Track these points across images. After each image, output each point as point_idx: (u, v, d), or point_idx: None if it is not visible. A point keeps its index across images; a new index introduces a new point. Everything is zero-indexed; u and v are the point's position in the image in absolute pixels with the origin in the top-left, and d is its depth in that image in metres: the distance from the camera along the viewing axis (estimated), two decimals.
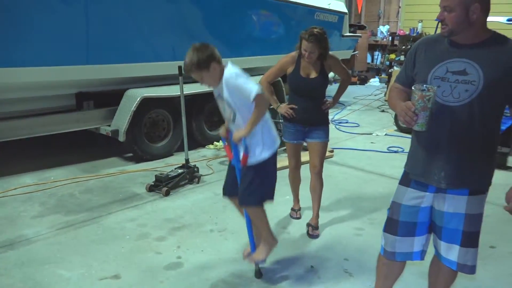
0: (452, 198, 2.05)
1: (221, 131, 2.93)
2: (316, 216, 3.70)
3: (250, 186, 2.75)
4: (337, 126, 7.49)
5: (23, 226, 3.69)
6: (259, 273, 3.00)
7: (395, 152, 6.00)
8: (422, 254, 2.23)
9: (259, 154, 2.73)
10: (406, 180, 2.19)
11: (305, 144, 3.75)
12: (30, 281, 2.90)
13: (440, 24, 1.96)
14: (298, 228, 3.73)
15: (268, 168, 2.80)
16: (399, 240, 2.19)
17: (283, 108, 3.60)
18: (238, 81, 2.59)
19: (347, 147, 6.25)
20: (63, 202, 4.19)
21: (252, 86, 2.57)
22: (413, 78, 2.11)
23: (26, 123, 4.82)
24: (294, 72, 3.49)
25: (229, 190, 2.96)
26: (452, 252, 2.11)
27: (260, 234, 2.95)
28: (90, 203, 4.16)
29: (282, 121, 5.41)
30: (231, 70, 2.64)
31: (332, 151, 5.85)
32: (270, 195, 2.88)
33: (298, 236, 3.59)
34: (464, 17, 1.87)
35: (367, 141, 6.59)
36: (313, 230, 3.65)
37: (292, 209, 4.02)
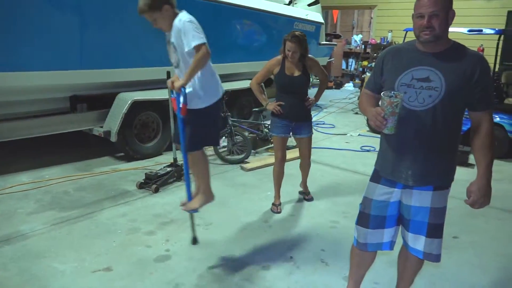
0: (419, 193, 2.08)
1: (168, 82, 2.76)
2: (306, 185, 4.25)
3: (192, 133, 2.71)
4: (315, 127, 7.48)
5: (19, 222, 3.61)
6: (194, 240, 3.02)
7: (368, 151, 6.06)
8: (391, 245, 2.26)
9: (200, 102, 2.69)
10: (376, 177, 2.21)
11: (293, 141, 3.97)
12: (27, 274, 2.84)
13: (421, 32, 1.91)
14: (278, 221, 3.74)
15: (209, 115, 2.75)
16: (370, 233, 2.22)
17: (272, 105, 3.79)
18: (186, 26, 2.50)
19: (323, 146, 6.28)
20: (57, 199, 4.12)
21: (197, 35, 2.51)
22: (381, 84, 2.12)
23: (24, 124, 4.73)
24: (280, 72, 3.71)
25: (175, 138, 2.91)
26: (418, 242, 2.14)
27: (199, 185, 2.91)
28: (84, 200, 4.10)
29: (263, 122, 5.45)
30: (184, 15, 2.57)
31: None
32: (213, 141, 2.88)
33: (278, 229, 3.59)
34: (446, 22, 1.89)
35: (342, 141, 6.64)
36: (307, 195, 4.23)
37: (273, 204, 4.02)
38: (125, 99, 5.14)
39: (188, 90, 2.67)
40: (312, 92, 4.11)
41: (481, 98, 1.95)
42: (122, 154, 5.43)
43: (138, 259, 3.06)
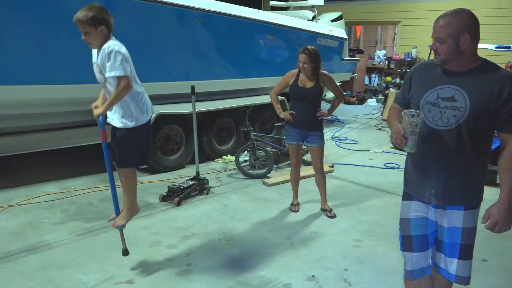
0: (451, 213, 2.03)
1: (92, 106, 2.88)
2: (325, 201, 4.26)
3: (121, 151, 2.90)
4: (337, 143, 7.46)
5: (45, 232, 3.68)
6: (125, 252, 3.06)
7: (392, 168, 5.96)
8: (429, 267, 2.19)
9: (129, 122, 2.81)
10: (408, 196, 2.17)
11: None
12: (50, 284, 2.88)
13: (433, 52, 1.96)
14: (300, 238, 3.69)
15: (139, 135, 2.89)
16: (415, 256, 2.11)
17: (284, 113, 4.09)
18: (113, 54, 2.56)
19: (346, 162, 6.22)
20: (82, 210, 4.19)
21: (120, 67, 2.57)
22: (409, 100, 2.11)
23: (52, 136, 4.85)
24: (294, 83, 4.03)
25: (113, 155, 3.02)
26: (452, 265, 2.07)
27: (126, 200, 3.06)
28: (108, 211, 4.13)
29: (285, 137, 5.54)
30: (114, 42, 2.63)
31: (332, 166, 5.82)
32: (140, 159, 3.06)
33: (300, 246, 3.55)
34: (454, 47, 1.88)
35: (365, 157, 6.56)
36: (330, 212, 4.19)
37: (292, 204, 4.34)
38: None
39: (112, 113, 2.83)
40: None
41: (508, 119, 1.89)
42: (145, 166, 5.49)
43: (160, 273, 3.06)
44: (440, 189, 2.01)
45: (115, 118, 2.86)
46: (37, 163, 5.54)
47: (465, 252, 2.05)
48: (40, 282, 2.90)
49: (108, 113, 2.87)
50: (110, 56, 2.58)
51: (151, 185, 4.97)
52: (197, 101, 4.73)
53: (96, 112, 2.72)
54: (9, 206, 4.22)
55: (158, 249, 3.44)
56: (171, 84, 5.51)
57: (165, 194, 4.47)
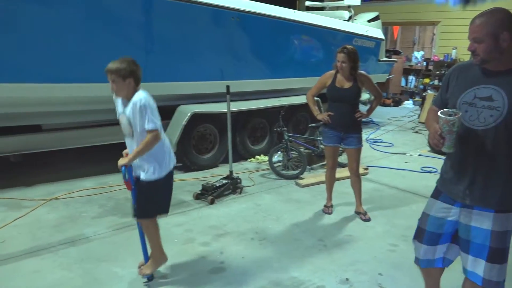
0: (479, 214, 2.02)
1: (124, 153, 2.86)
2: (360, 204, 4.18)
3: (141, 203, 2.84)
4: (372, 145, 7.33)
5: (83, 225, 3.80)
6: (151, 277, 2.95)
7: (429, 172, 5.79)
8: (443, 261, 2.24)
9: (152, 175, 2.77)
10: (436, 193, 2.21)
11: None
12: (88, 277, 2.97)
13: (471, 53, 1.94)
14: (333, 240, 3.65)
15: (161, 186, 2.84)
16: (424, 248, 2.24)
17: (322, 115, 4.04)
18: (144, 108, 2.63)
19: (381, 165, 6.10)
20: (119, 205, 4.29)
21: (152, 119, 2.64)
22: (447, 101, 2.11)
23: (90, 133, 5.02)
24: (331, 84, 3.95)
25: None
26: (478, 267, 2.03)
27: (151, 250, 2.98)
28: None
29: (319, 138, 5.48)
30: (143, 95, 2.68)
31: (366, 169, 5.72)
32: (161, 210, 2.94)
33: (333, 249, 3.50)
34: (493, 46, 1.86)
35: (401, 161, 6.40)
36: (364, 216, 4.10)
37: (325, 206, 4.31)
38: (185, 112, 5.30)
39: (137, 163, 2.79)
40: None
41: None
42: (180, 164, 5.57)
43: (193, 270, 3.10)
44: (476, 191, 2.00)
45: (137, 169, 2.84)
46: (77, 159, 5.73)
47: (495, 256, 2.00)
48: (79, 274, 3.00)
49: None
50: (142, 110, 2.65)
51: (185, 183, 5.04)
52: (231, 100, 4.76)
53: (121, 162, 2.75)
54: (50, 199, 4.39)
55: (192, 246, 3.48)
56: (206, 83, 5.58)
57: (199, 192, 4.53)
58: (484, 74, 1.96)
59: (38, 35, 4.10)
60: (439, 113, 1.94)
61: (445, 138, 1.95)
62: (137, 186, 2.82)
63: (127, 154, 2.84)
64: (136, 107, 2.64)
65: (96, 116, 5.05)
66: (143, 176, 2.78)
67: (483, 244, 2.00)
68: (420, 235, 2.25)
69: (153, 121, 2.66)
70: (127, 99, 2.71)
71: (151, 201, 2.85)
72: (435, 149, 2.00)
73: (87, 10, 4.37)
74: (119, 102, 2.80)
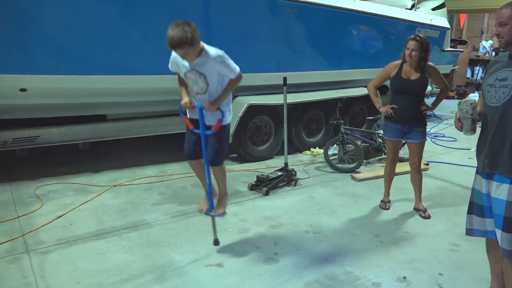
0: (498, 185, 2.24)
1: (185, 102, 2.93)
2: (420, 201, 4.02)
3: (220, 147, 3.03)
4: (433, 140, 7.01)
5: (144, 211, 3.97)
6: (216, 241, 3.20)
7: None
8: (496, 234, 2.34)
9: (228, 118, 3.02)
10: (476, 169, 2.44)
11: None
12: (149, 260, 3.10)
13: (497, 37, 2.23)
14: (390, 237, 3.54)
15: (228, 130, 3.13)
16: (474, 219, 2.45)
17: (385, 107, 3.87)
18: (225, 58, 2.82)
19: (443, 161, 5.81)
20: (177, 193, 4.44)
21: (235, 64, 2.87)
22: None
23: (153, 123, 5.24)
24: (397, 75, 3.79)
25: (192, 154, 3.13)
26: (498, 236, 2.26)
27: (220, 191, 3.26)
28: (200, 196, 4.30)
29: (376, 131, 5.32)
30: (214, 48, 2.82)
31: (427, 164, 5.48)
32: (227, 152, 3.15)
33: (390, 245, 3.40)
34: None
35: (465, 156, 6.06)
36: (424, 213, 3.94)
37: (382, 201, 4.17)
38: (242, 103, 5.35)
39: (210, 113, 2.96)
40: (429, 102, 4.01)
41: None
42: (235, 155, 5.65)
43: (248, 259, 3.14)
44: (491, 158, 2.26)
45: (213, 117, 2.96)
46: (139, 148, 5.99)
47: (510, 225, 2.20)
48: (140, 257, 3.14)
49: (205, 114, 2.97)
50: (224, 60, 2.83)
51: (240, 173, 5.11)
52: (287, 92, 4.74)
53: (215, 104, 2.87)
54: (114, 185, 4.62)
55: (246, 236, 3.53)
56: (263, 75, 5.58)
57: (254, 183, 4.57)
58: (508, 59, 2.22)
59: (105, 29, 4.30)
60: (458, 102, 2.37)
61: (462, 122, 2.36)
62: (216, 132, 2.96)
63: (186, 103, 2.94)
64: (219, 60, 2.81)
65: (158, 106, 5.24)
66: (225, 120, 2.98)
67: (499, 214, 2.22)
68: (470, 207, 2.49)
69: (235, 66, 2.88)
70: (199, 57, 2.80)
71: (226, 144, 3.15)
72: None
73: (150, 4, 4.51)
74: (181, 61, 2.86)
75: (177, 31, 2.61)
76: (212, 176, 3.17)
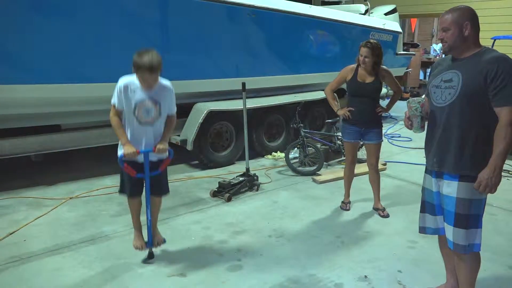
0: (448, 183, 2.33)
1: (132, 152, 2.84)
2: (378, 200, 4.13)
3: (165, 177, 3.17)
4: (390, 140, 7.23)
5: (103, 223, 3.85)
6: (152, 254, 3.21)
7: None
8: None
9: (168, 153, 3.07)
10: (425, 168, 2.54)
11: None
12: (108, 274, 3.00)
13: (442, 43, 2.31)
14: (351, 237, 3.61)
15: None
16: (427, 217, 2.53)
17: (342, 110, 3.97)
18: (172, 93, 2.91)
19: (399, 160, 6.01)
20: None
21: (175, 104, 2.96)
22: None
23: (109, 132, 5.05)
24: (352, 78, 3.91)
25: (136, 193, 3.16)
26: (449, 232, 2.35)
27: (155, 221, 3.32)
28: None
29: (336, 134, 5.42)
30: (167, 81, 2.89)
31: (385, 164, 5.65)
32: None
33: (351, 245, 3.46)
34: (458, 34, 2.22)
35: (420, 155, 6.26)
36: (383, 212, 4.05)
37: (343, 202, 4.26)
38: (202, 109, 5.31)
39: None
40: (384, 103, 4.19)
41: (497, 95, 2.13)
42: (197, 162, 5.60)
43: (211, 267, 3.11)
44: (439, 157, 2.34)
45: (157, 153, 3.00)
46: (96, 158, 5.81)
47: (461, 221, 2.29)
48: (99, 271, 3.04)
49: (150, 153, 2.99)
50: (172, 94, 2.89)
51: (202, 180, 5.06)
52: (247, 97, 4.75)
53: (164, 146, 2.93)
54: (70, 198, 4.45)
55: (210, 243, 3.49)
56: (223, 81, 5.58)
57: (216, 189, 4.53)
58: (452, 62, 2.33)
59: (57, 36, 4.15)
60: (407, 101, 2.43)
61: (412, 121, 2.43)
62: (155, 168, 3.01)
63: (137, 151, 2.88)
64: (168, 90, 2.84)
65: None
66: (167, 155, 3.04)
67: (450, 211, 2.31)
68: (423, 207, 2.56)
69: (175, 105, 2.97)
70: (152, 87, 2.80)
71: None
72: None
73: (103, 10, 4.40)
74: (133, 90, 2.80)
75: (153, 55, 2.66)
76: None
